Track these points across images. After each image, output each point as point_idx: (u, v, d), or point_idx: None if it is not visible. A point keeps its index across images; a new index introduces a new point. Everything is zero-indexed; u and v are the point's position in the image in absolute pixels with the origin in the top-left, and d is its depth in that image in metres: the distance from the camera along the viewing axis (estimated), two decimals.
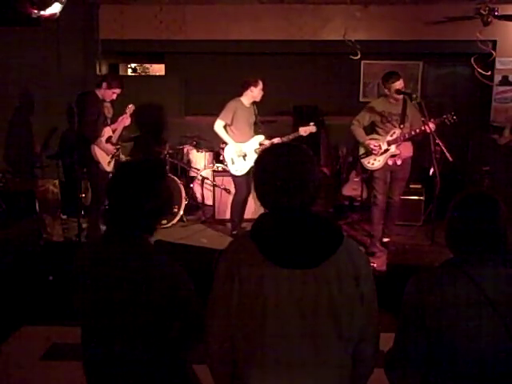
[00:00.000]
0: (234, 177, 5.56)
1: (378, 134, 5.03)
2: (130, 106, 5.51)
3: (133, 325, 1.71)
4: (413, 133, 4.83)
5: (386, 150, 4.94)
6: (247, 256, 1.57)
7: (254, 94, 5.35)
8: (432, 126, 4.72)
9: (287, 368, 1.56)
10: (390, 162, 4.96)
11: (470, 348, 1.61)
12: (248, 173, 5.46)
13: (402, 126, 4.89)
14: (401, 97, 4.85)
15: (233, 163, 5.46)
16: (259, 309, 1.54)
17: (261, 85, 5.36)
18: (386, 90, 4.88)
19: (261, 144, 5.47)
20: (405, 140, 4.90)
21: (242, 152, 5.43)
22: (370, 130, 5.08)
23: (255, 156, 5.40)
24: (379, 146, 4.91)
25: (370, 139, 4.97)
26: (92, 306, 1.74)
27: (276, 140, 5.38)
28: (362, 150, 5.09)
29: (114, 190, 1.77)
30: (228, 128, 5.43)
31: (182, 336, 1.82)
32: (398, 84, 4.79)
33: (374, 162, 4.99)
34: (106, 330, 1.74)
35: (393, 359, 1.74)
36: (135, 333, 1.72)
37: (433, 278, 1.71)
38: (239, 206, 5.60)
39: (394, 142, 4.90)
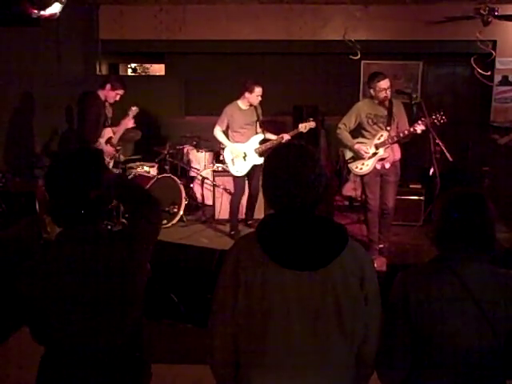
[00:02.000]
0: (233, 177, 5.61)
1: (364, 137, 4.91)
2: (133, 108, 5.44)
3: (106, 308, 1.72)
4: (401, 135, 4.72)
5: (374, 154, 4.84)
6: (252, 257, 1.57)
7: (250, 99, 5.37)
8: (421, 127, 4.67)
9: (291, 369, 1.56)
10: (379, 166, 4.86)
11: (452, 343, 1.62)
12: (248, 173, 5.54)
13: (388, 128, 4.80)
14: (387, 97, 4.75)
15: (233, 164, 5.51)
16: (264, 310, 1.54)
17: (257, 91, 5.31)
18: (371, 91, 4.80)
19: (262, 142, 5.52)
20: (393, 143, 4.83)
21: (240, 152, 5.46)
22: (356, 132, 4.97)
23: (255, 156, 5.48)
24: (367, 150, 4.85)
25: (357, 143, 4.87)
26: (62, 305, 1.71)
27: (274, 136, 5.54)
28: (348, 155, 5.00)
29: (53, 184, 1.77)
30: (228, 131, 5.51)
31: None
32: (384, 83, 4.68)
33: (362, 167, 4.90)
34: (78, 323, 1.72)
35: (379, 353, 1.75)
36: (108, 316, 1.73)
37: (419, 273, 1.73)
38: (236, 206, 5.66)
39: (382, 145, 4.81)
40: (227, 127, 5.48)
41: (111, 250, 1.72)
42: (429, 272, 1.72)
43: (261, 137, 5.54)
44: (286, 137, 5.47)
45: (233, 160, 5.50)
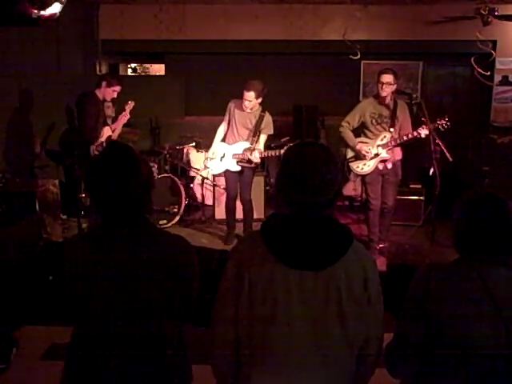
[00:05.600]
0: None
1: (366, 136, 4.92)
2: (129, 102, 5.53)
3: (143, 302, 1.72)
4: (405, 138, 4.73)
5: (376, 155, 4.84)
6: (257, 256, 1.56)
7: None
8: (425, 131, 4.66)
9: (291, 368, 1.56)
10: (381, 167, 4.87)
11: (466, 344, 1.61)
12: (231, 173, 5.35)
13: (391, 130, 4.79)
14: (389, 97, 4.76)
15: (209, 160, 5.41)
16: (269, 309, 1.54)
17: (245, 95, 4.97)
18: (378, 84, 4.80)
19: (245, 150, 5.18)
20: (396, 145, 4.81)
21: (216, 152, 5.33)
22: (358, 131, 4.97)
23: (231, 161, 5.24)
24: (370, 150, 4.85)
25: (360, 142, 4.87)
26: (99, 291, 1.72)
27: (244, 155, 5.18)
28: (350, 154, 4.98)
29: (101, 180, 1.75)
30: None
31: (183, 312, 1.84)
32: (384, 77, 4.66)
33: (364, 167, 4.90)
34: (115, 311, 1.72)
35: (393, 346, 1.74)
36: (146, 310, 1.73)
37: (443, 269, 1.72)
38: (226, 205, 5.55)
39: (385, 146, 4.81)
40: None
41: (156, 249, 1.73)
42: (453, 270, 1.71)
43: (246, 144, 5.21)
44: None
45: (209, 157, 5.41)
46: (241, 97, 5.04)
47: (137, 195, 1.76)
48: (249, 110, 5.08)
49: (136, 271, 1.70)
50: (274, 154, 5.16)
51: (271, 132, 5.25)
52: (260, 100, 5.05)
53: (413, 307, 1.70)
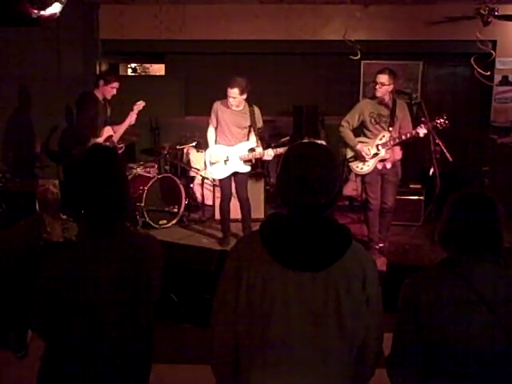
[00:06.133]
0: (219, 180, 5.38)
1: (366, 136, 4.92)
2: (139, 102, 5.48)
3: (126, 307, 1.76)
4: (403, 137, 4.73)
5: (376, 154, 4.85)
6: (255, 257, 1.57)
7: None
8: (423, 130, 4.67)
9: (290, 368, 1.56)
10: (380, 166, 4.87)
11: (464, 346, 1.61)
12: (232, 180, 5.28)
13: (390, 129, 4.80)
14: (388, 96, 4.76)
15: (211, 165, 5.26)
16: (266, 310, 1.54)
17: (229, 92, 4.96)
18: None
19: (251, 150, 5.16)
20: (395, 144, 4.82)
21: (218, 156, 5.18)
22: (358, 130, 4.97)
23: (239, 162, 5.16)
24: (369, 151, 4.84)
25: (359, 142, 4.87)
26: (82, 300, 1.72)
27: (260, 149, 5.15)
28: (349, 154, 4.97)
29: (85, 184, 1.77)
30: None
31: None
32: (379, 77, 4.68)
33: (363, 167, 4.90)
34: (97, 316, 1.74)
35: (392, 359, 1.74)
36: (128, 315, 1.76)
37: (427, 277, 1.72)
38: (222, 210, 5.41)
39: (384, 145, 4.81)
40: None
41: (131, 251, 1.76)
42: (437, 276, 1.71)
43: (249, 144, 5.19)
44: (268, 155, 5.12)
45: (210, 161, 5.23)
46: (226, 97, 5.03)
47: (115, 201, 1.78)
48: (235, 108, 5.06)
49: (108, 280, 1.73)
50: (283, 151, 5.02)
51: (261, 124, 5.26)
52: (245, 96, 5.05)
53: (406, 322, 1.70)
